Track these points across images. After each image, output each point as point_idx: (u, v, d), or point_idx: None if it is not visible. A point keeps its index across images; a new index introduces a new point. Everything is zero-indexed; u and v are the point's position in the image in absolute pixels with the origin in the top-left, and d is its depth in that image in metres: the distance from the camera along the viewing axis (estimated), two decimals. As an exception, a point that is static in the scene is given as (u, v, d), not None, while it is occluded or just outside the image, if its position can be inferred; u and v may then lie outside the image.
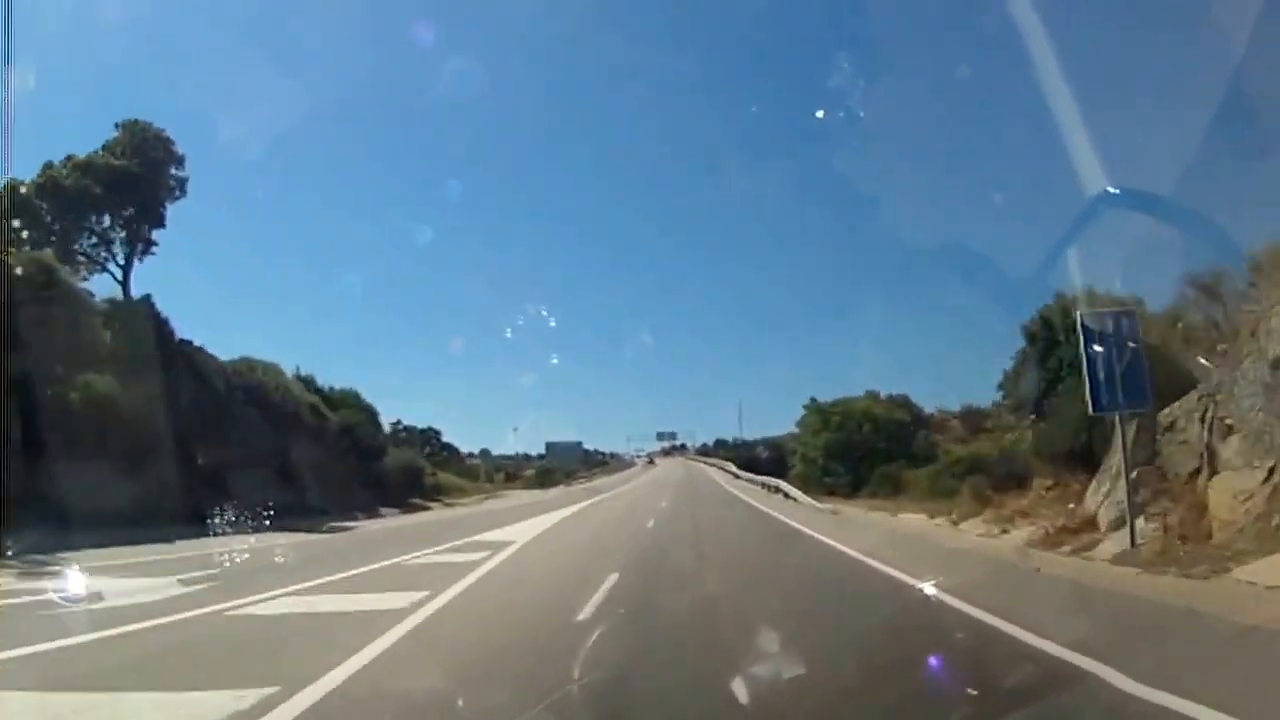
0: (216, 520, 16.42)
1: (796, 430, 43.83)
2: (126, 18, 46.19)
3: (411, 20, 56.67)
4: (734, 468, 56.91)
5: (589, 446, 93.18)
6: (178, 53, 52.13)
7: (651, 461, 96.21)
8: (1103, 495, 11.96)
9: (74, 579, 10.51)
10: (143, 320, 24.78)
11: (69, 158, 27.00)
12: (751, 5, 53.44)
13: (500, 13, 52.76)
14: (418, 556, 13.71)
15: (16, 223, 22.63)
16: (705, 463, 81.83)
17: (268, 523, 17.63)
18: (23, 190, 24.42)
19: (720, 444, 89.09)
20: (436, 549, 15.01)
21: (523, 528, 20.29)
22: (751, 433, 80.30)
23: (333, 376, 38.51)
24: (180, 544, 15.68)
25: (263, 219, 70.77)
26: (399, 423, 55.52)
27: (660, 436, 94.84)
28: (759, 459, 54.59)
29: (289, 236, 77.09)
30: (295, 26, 51.30)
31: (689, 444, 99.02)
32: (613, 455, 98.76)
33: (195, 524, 16.73)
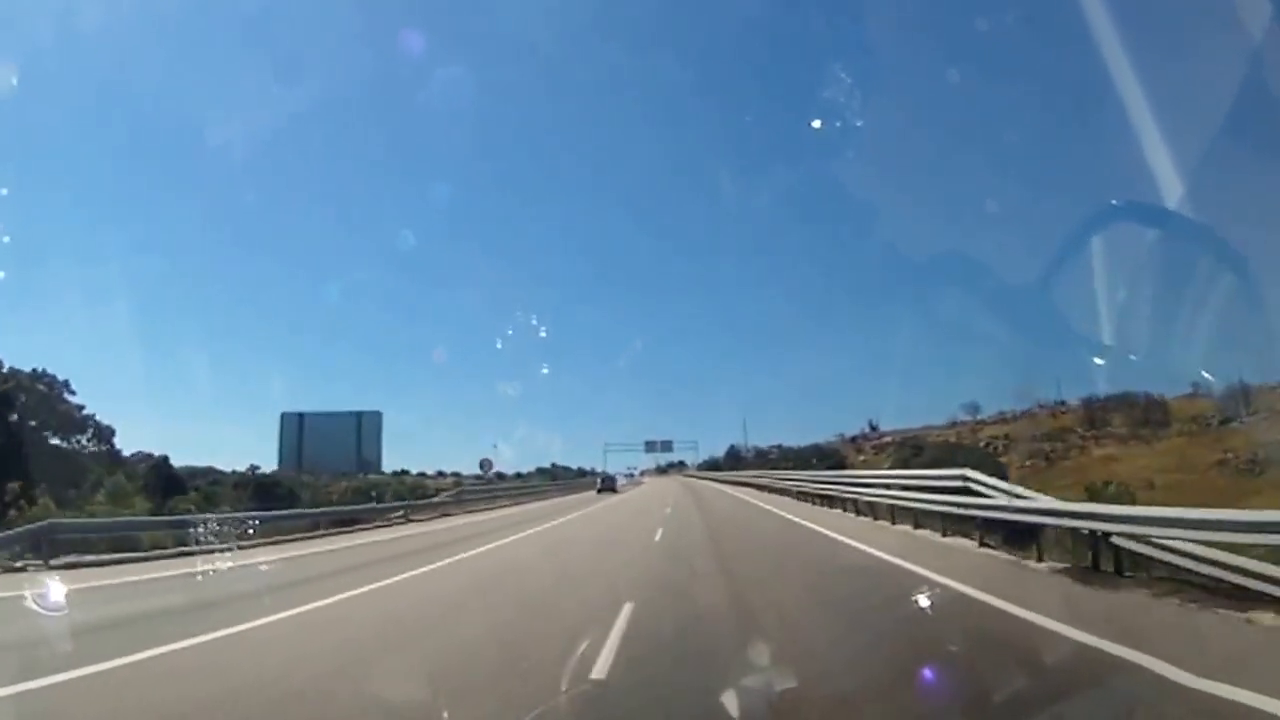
0: None
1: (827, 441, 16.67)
2: (114, 20, 47.18)
3: (402, 27, 57.51)
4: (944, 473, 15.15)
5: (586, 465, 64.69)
6: (166, 55, 52.59)
7: (611, 488, 53.13)
8: None
9: None
10: None
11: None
12: (747, 14, 53.97)
13: (493, 20, 53.26)
14: None
15: None
16: (721, 482, 50.02)
17: None
18: None
19: (732, 455, 69.46)
20: None
21: None
22: (755, 445, 66.64)
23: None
24: None
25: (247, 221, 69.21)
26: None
27: (650, 447, 64.40)
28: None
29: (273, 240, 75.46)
30: (286, 33, 52.08)
31: (688, 461, 73.39)
32: (591, 472, 67.25)
33: None
